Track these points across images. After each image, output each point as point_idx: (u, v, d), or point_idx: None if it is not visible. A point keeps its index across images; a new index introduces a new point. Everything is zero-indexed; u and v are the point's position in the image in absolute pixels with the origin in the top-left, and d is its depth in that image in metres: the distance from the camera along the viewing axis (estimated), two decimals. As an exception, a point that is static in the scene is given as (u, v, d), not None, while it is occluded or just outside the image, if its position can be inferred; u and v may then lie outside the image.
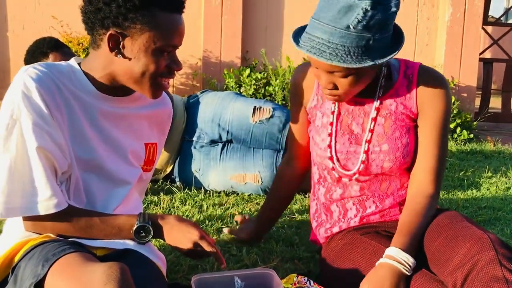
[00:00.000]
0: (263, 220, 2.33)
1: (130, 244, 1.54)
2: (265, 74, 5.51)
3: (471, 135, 5.56)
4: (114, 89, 1.56)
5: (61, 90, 1.47)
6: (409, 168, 1.84)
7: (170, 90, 5.73)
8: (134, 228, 1.49)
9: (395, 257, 1.58)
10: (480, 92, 6.84)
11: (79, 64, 1.55)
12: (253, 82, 5.41)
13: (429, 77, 1.76)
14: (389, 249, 1.62)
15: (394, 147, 1.76)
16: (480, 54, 6.44)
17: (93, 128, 1.54)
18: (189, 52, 5.87)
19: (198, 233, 1.52)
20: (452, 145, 5.17)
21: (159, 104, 1.70)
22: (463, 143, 5.44)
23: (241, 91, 5.41)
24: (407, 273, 1.57)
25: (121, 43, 1.46)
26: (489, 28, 7.97)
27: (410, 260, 1.58)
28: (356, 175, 1.83)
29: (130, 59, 1.47)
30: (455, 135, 5.56)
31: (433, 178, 1.76)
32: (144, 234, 1.51)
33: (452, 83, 6.02)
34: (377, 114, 1.79)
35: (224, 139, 3.36)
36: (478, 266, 1.42)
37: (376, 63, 1.57)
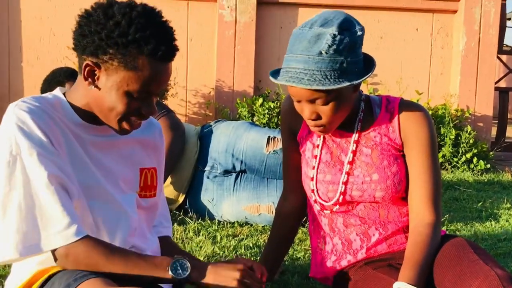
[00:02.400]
0: (268, 262, 2.16)
1: None
2: (278, 103, 5.48)
3: (488, 165, 5.48)
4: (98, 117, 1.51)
5: (54, 119, 1.43)
6: (405, 198, 1.84)
7: (182, 119, 5.73)
8: (171, 263, 1.42)
9: None
10: (496, 121, 6.77)
11: (64, 94, 1.52)
12: (266, 111, 5.39)
13: (409, 108, 1.80)
14: (396, 283, 1.61)
15: (384, 176, 1.78)
16: (496, 83, 6.40)
17: (87, 157, 1.50)
18: (202, 82, 5.88)
19: (245, 262, 1.51)
20: (469, 176, 5.09)
21: (146, 128, 1.65)
22: (480, 173, 5.35)
23: (254, 120, 5.39)
24: None
25: (96, 75, 1.42)
26: (504, 57, 7.93)
27: None
28: (337, 207, 1.83)
29: (101, 90, 1.43)
30: (472, 165, 5.48)
31: (430, 205, 1.75)
32: (180, 271, 1.43)
33: (467, 112, 5.97)
34: (356, 147, 1.82)
35: (237, 169, 3.32)
36: None
37: (353, 83, 1.64)
